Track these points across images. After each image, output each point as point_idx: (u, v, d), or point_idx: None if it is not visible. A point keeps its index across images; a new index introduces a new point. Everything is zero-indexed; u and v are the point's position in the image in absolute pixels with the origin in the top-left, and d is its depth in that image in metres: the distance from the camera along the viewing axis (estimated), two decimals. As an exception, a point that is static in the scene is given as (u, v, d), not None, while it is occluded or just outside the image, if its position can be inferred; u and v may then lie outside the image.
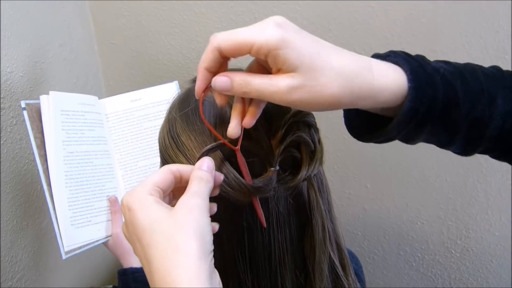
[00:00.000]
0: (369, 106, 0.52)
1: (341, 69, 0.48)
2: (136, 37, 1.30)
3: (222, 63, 0.51)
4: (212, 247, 0.46)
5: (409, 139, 0.56)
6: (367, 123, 0.59)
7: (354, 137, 0.61)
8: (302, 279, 0.62)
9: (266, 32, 0.47)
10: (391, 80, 0.51)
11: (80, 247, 0.91)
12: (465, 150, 0.57)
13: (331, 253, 0.61)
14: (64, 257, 0.88)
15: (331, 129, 1.29)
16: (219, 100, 0.54)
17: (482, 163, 1.24)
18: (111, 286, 1.32)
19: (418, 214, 1.37)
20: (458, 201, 1.32)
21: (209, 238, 0.46)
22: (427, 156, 1.27)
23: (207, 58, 0.50)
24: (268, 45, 0.46)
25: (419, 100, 0.50)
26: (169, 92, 1.04)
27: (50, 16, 1.11)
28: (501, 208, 1.29)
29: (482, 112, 0.52)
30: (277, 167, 0.55)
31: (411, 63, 0.52)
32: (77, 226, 0.91)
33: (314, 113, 0.61)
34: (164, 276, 0.43)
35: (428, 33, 1.12)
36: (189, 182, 0.50)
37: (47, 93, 0.91)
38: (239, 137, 0.54)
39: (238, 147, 0.54)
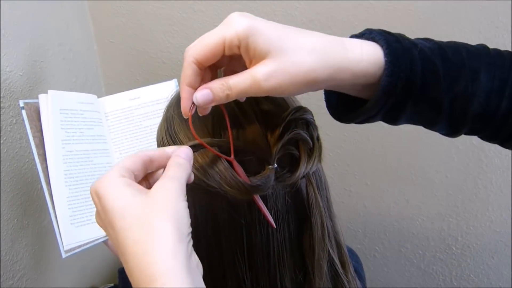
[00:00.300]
0: (348, 82, 0.51)
1: (312, 46, 0.48)
2: (135, 35, 1.30)
3: (202, 75, 0.51)
4: (189, 230, 0.45)
5: (392, 118, 0.55)
6: (347, 104, 0.58)
7: (336, 118, 0.60)
8: (301, 277, 0.62)
9: (232, 24, 0.47)
10: (365, 52, 0.50)
11: (79, 246, 0.91)
12: (450, 130, 0.56)
13: (330, 251, 0.61)
14: (63, 256, 0.88)
15: (331, 126, 1.29)
16: (202, 112, 0.53)
17: (482, 160, 1.24)
18: (112, 284, 1.32)
19: (419, 211, 1.37)
20: (458, 198, 1.32)
21: (186, 221, 0.45)
22: (427, 153, 1.27)
23: (186, 74, 0.50)
24: (238, 35, 0.46)
25: (396, 74, 0.49)
26: (168, 90, 1.04)
27: (49, 16, 1.11)
28: (502, 205, 1.29)
29: (465, 87, 0.51)
30: (275, 165, 0.55)
31: (388, 38, 0.51)
32: (77, 225, 0.91)
33: (313, 110, 0.61)
34: (139, 261, 0.41)
35: (427, 29, 1.12)
36: (167, 168, 0.48)
37: (47, 92, 0.91)
38: (230, 146, 0.54)
39: (232, 157, 0.54)
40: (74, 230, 0.90)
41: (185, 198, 0.46)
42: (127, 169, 0.47)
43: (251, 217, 0.57)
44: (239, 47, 0.47)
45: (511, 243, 1.33)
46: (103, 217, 0.46)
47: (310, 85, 0.49)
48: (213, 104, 0.51)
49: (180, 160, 0.49)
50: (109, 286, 1.30)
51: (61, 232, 0.88)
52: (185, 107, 0.52)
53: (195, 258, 0.45)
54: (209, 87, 0.49)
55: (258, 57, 0.47)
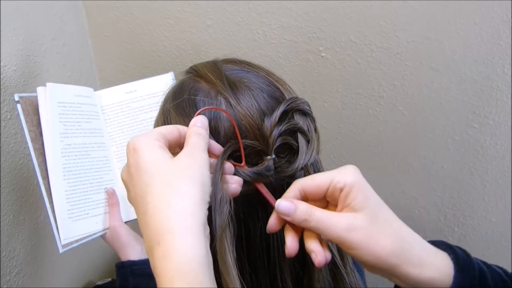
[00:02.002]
0: (412, 278, 0.51)
1: (398, 229, 0.51)
2: (129, 29, 1.29)
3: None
4: (209, 199, 0.48)
5: None
6: None
7: None
8: (300, 270, 0.62)
9: (345, 171, 0.51)
10: (439, 256, 0.52)
11: (77, 240, 0.91)
12: None
13: (329, 243, 0.61)
14: (61, 250, 0.88)
15: (327, 118, 1.29)
16: (273, 224, 0.54)
17: (478, 150, 1.24)
18: (109, 279, 1.32)
19: (415, 202, 1.37)
20: (454, 188, 1.32)
21: (208, 189, 0.48)
22: (423, 144, 1.27)
23: (288, 193, 0.53)
24: (346, 180, 0.50)
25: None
26: (164, 83, 1.03)
27: (42, 10, 1.11)
28: (498, 195, 1.29)
29: None
30: (273, 156, 0.55)
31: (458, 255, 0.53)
32: (75, 219, 0.91)
33: (310, 104, 0.61)
34: (159, 213, 0.45)
35: (423, 20, 1.11)
36: (187, 138, 0.52)
37: (43, 86, 0.91)
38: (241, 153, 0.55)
39: (243, 163, 0.55)
40: (72, 224, 0.90)
41: (208, 167, 0.50)
42: (163, 135, 0.51)
43: (249, 211, 0.57)
44: (341, 191, 0.50)
45: (510, 234, 1.33)
46: (133, 172, 0.49)
47: (378, 260, 0.50)
48: (288, 219, 0.52)
49: (197, 129, 0.52)
50: (106, 281, 1.30)
51: (58, 226, 0.88)
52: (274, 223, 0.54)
53: (207, 228, 0.47)
54: (296, 205, 0.51)
55: (352, 207, 0.50)
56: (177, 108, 0.59)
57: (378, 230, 0.50)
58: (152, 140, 0.49)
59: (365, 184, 0.51)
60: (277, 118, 0.56)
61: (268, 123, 0.56)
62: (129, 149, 0.50)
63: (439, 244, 0.55)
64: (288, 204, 0.52)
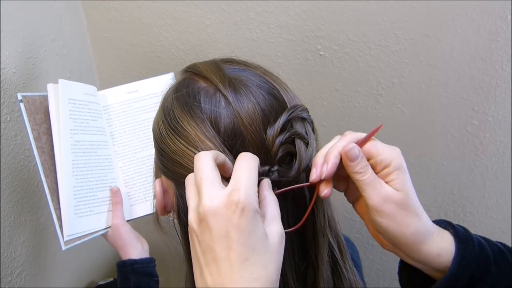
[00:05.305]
0: (421, 255, 0.55)
1: (422, 213, 0.54)
2: (128, 29, 1.30)
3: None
4: None
5: None
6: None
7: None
8: (302, 267, 0.62)
9: (393, 150, 0.55)
10: (445, 236, 0.56)
11: (79, 238, 0.91)
12: None
13: (330, 239, 0.62)
14: (63, 248, 0.88)
15: (326, 117, 1.29)
16: (326, 190, 0.56)
17: (477, 147, 1.24)
18: (111, 279, 1.33)
19: (415, 199, 1.38)
20: (455, 185, 1.32)
21: None
22: (423, 141, 1.28)
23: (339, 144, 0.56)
24: (392, 160, 0.53)
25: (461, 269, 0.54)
26: (165, 83, 1.04)
27: (41, 11, 1.11)
28: (498, 191, 1.29)
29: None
30: (276, 166, 0.56)
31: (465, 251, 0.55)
32: (80, 215, 0.91)
33: (308, 101, 0.61)
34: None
35: (421, 17, 1.12)
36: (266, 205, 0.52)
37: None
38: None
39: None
40: (76, 221, 0.90)
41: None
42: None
43: None
44: (384, 167, 0.53)
45: (510, 230, 1.34)
46: (238, 231, 0.48)
47: (400, 232, 0.54)
48: (350, 164, 0.54)
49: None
50: (109, 281, 1.31)
51: (63, 221, 0.88)
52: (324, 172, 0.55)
53: None
54: (361, 157, 0.54)
55: (393, 185, 0.53)
56: (183, 104, 0.59)
57: (408, 210, 0.53)
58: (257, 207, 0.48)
59: (406, 170, 0.54)
60: (279, 129, 0.56)
61: (271, 133, 0.56)
62: (233, 203, 0.46)
63: (440, 222, 0.59)
64: (358, 151, 0.53)
